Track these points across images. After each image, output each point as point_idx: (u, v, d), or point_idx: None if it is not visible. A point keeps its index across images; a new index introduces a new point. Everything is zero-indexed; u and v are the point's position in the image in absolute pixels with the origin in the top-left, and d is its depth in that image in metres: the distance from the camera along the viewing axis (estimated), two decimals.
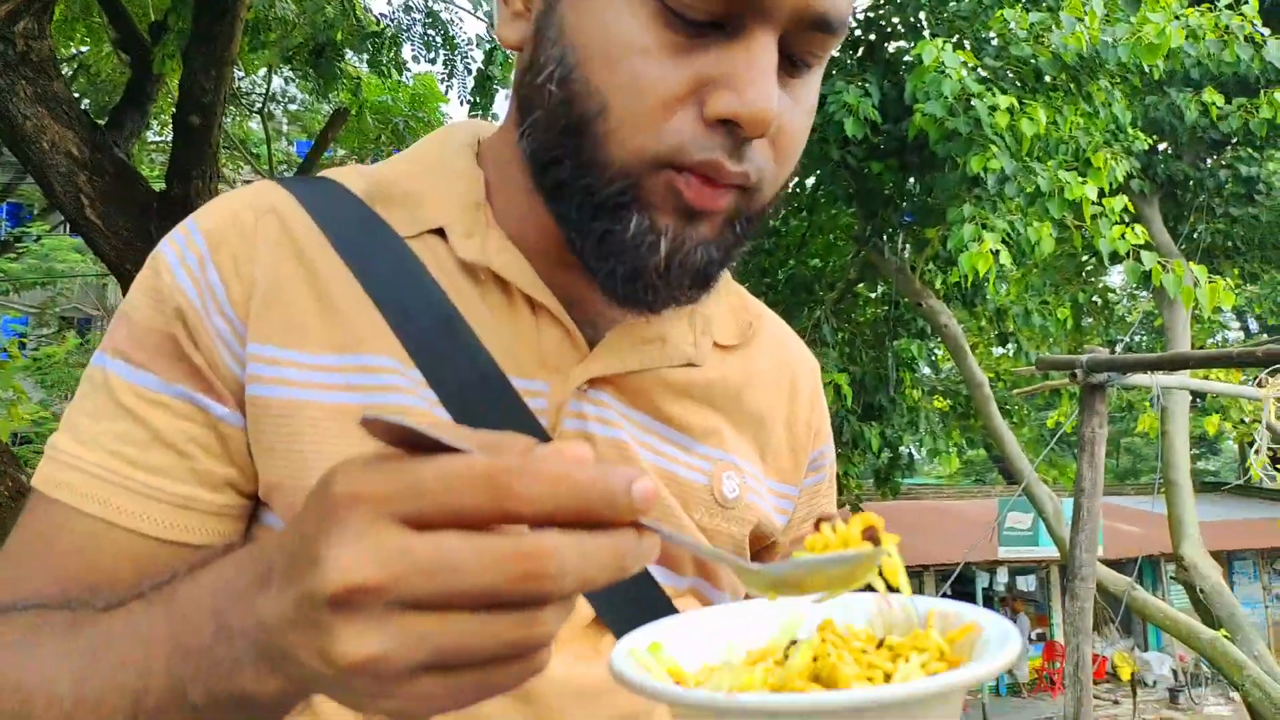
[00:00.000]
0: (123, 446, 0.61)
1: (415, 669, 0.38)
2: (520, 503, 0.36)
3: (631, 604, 0.65)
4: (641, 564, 0.39)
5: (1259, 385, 3.30)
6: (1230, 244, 7.80)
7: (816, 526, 0.47)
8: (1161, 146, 7.66)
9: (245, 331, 0.63)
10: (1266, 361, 2.90)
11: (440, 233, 0.67)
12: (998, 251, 4.46)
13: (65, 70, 5.81)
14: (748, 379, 0.76)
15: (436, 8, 3.32)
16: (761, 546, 0.79)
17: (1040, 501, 6.36)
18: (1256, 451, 3.49)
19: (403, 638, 0.37)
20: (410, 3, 3.34)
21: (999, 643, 0.41)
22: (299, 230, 0.65)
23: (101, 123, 5.99)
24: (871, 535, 0.44)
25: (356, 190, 0.68)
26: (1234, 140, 7.36)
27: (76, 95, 6.47)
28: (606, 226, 0.60)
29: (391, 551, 0.36)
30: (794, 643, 0.45)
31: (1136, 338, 11.69)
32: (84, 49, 6.23)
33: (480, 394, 0.63)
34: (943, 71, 4.58)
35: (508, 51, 3.78)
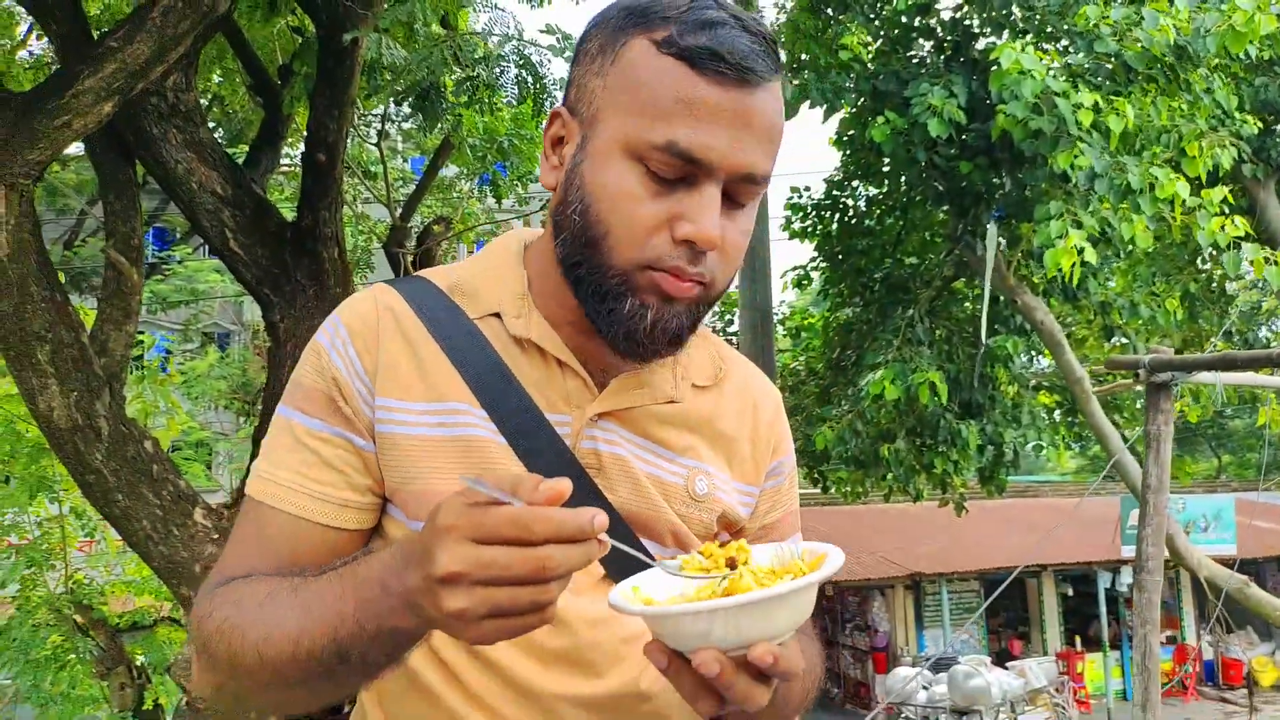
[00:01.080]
0: (303, 468, 0.93)
1: (482, 617, 0.67)
2: (534, 534, 0.66)
3: (628, 567, 0.92)
4: (599, 555, 0.69)
5: None
6: None
7: (714, 537, 0.85)
8: (1277, 128, 7.34)
9: (374, 389, 0.93)
10: None
11: (497, 315, 0.97)
12: (1082, 249, 4.47)
13: (202, 101, 6.36)
14: (718, 410, 1.04)
15: (528, 52, 3.62)
16: (733, 530, 1.05)
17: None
18: None
19: (475, 600, 0.67)
20: (502, 53, 3.64)
21: (831, 563, 0.71)
22: (404, 319, 0.96)
23: (235, 148, 6.53)
24: (732, 560, 0.77)
25: (442, 286, 0.99)
26: None
27: (211, 124, 7.07)
28: (610, 307, 0.89)
29: (469, 556, 0.66)
30: (724, 578, 0.74)
31: (1267, 330, 11.08)
32: (218, 79, 6.79)
33: (524, 425, 0.92)
34: (1023, 73, 4.61)
35: None
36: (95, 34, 3.96)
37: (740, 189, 0.88)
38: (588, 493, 0.92)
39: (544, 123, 0.96)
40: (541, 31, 3.76)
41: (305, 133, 4.35)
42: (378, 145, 6.11)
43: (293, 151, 7.91)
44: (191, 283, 13.56)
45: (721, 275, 0.91)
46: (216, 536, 4.18)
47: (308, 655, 0.78)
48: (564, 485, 0.68)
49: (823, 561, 0.72)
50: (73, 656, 5.58)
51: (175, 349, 14.18)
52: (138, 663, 5.61)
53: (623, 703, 0.93)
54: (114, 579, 6.49)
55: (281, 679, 0.80)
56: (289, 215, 4.67)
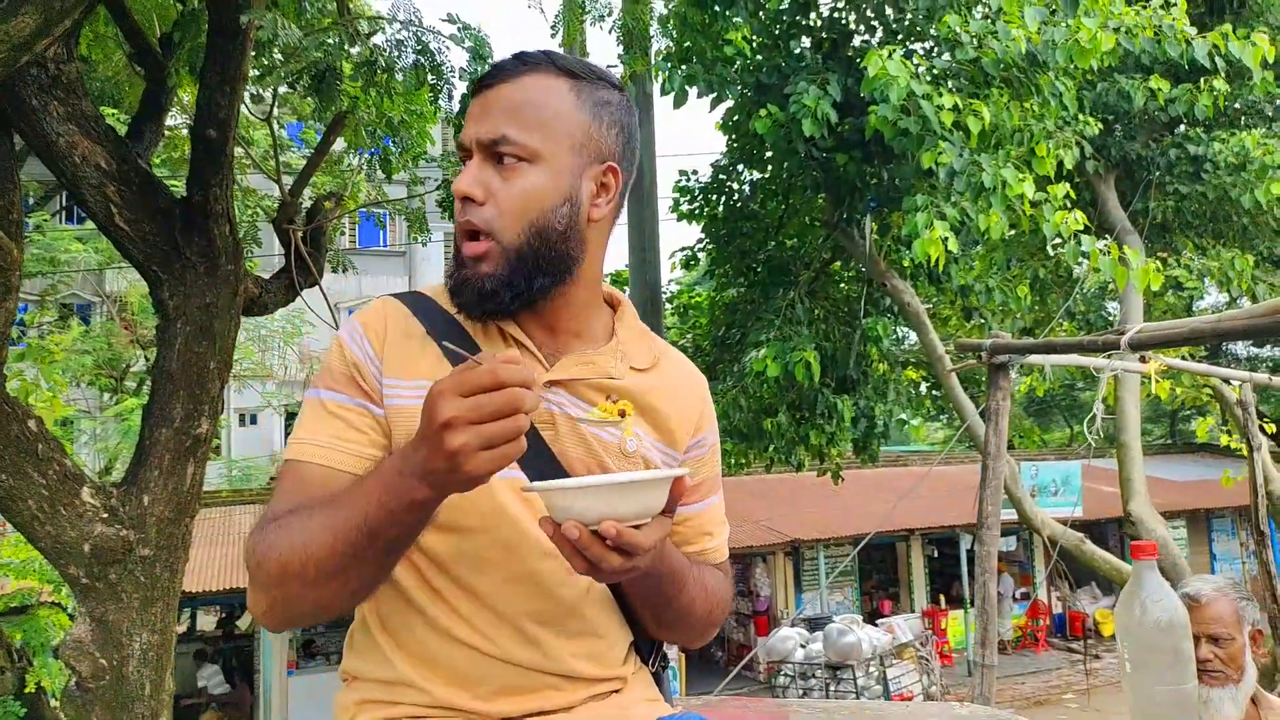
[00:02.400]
0: (336, 431, 1.15)
1: (478, 449, 0.88)
2: (505, 381, 0.88)
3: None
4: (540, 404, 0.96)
5: (1142, 360, 3.82)
6: (1183, 219, 8.21)
7: (606, 397, 1.15)
8: (1117, 129, 8.04)
9: (383, 371, 1.18)
10: (1104, 347, 3.42)
11: None
12: (946, 239, 4.92)
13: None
14: (651, 388, 1.28)
15: (426, 39, 3.68)
16: None
17: None
18: (1090, 421, 4.04)
19: (471, 435, 0.87)
20: (400, 38, 3.70)
21: (673, 472, 0.99)
22: (408, 320, 1.22)
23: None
24: (622, 411, 1.11)
25: (429, 295, 1.25)
26: (1183, 121, 7.75)
27: None
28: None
29: (461, 405, 0.88)
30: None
31: (1108, 310, 12.05)
32: (88, 33, 6.46)
33: None
34: (890, 78, 4.99)
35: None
36: None
37: (498, 151, 1.14)
38: (540, 446, 1.15)
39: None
40: (442, 20, 3.84)
41: (195, 107, 4.27)
42: (267, 120, 6.01)
43: (170, 121, 7.63)
44: (50, 251, 12.82)
45: (500, 226, 1.15)
46: (105, 515, 4.13)
47: (345, 543, 0.99)
48: (514, 354, 0.93)
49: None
50: None
51: (32, 321, 13.40)
52: (17, 645, 5.46)
53: (564, 613, 1.18)
54: None
55: (323, 572, 1.01)
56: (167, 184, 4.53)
